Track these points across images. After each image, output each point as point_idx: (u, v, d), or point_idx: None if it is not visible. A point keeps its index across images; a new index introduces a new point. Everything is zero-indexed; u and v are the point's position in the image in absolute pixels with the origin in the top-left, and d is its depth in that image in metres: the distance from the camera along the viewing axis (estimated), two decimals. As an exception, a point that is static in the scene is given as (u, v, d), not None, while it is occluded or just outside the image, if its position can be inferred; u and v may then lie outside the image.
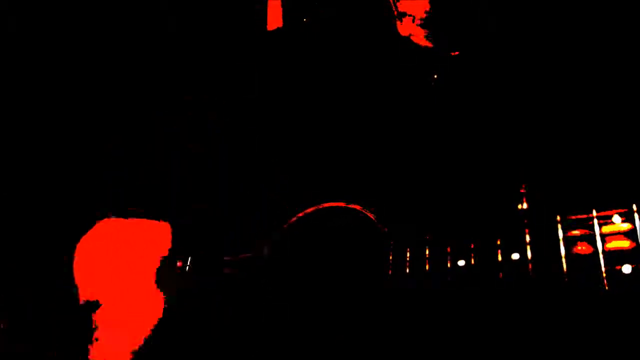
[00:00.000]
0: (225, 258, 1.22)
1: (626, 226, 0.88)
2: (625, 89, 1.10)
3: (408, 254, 1.06)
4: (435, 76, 1.26)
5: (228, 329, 1.16)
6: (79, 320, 1.13)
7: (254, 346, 1.15)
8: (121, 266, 1.19)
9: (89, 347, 1.11)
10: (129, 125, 1.47)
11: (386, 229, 1.11)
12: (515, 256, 0.96)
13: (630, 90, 1.09)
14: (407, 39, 1.28)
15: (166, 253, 1.22)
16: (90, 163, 1.40)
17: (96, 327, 1.12)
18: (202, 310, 1.18)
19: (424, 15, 1.23)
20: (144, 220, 1.25)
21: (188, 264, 1.23)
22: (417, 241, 1.06)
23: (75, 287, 1.17)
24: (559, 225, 0.93)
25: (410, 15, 1.25)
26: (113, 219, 1.24)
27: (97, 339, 1.12)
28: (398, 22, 1.28)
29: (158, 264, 1.20)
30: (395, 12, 1.27)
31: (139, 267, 1.19)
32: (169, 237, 1.24)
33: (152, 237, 1.23)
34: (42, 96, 1.54)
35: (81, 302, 1.15)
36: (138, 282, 1.18)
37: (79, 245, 1.20)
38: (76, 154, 1.44)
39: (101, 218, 1.24)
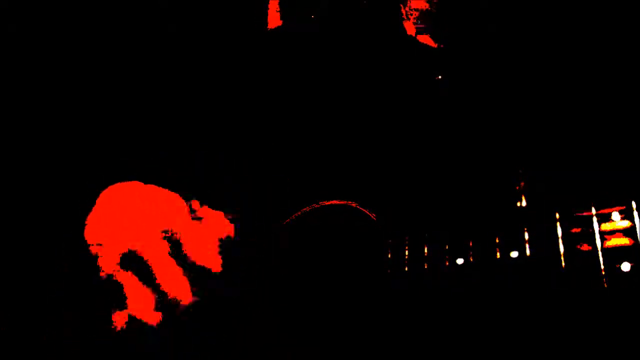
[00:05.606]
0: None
1: (625, 224, 0.87)
2: (624, 86, 1.10)
3: (406, 253, 1.06)
4: (440, 77, 1.26)
5: (227, 328, 1.16)
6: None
7: (251, 343, 1.14)
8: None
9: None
10: (128, 126, 1.47)
11: (384, 228, 1.11)
12: (514, 254, 0.96)
13: (630, 87, 1.09)
14: (413, 38, 1.28)
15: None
16: (88, 163, 1.39)
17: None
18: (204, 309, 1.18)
19: (430, 15, 1.23)
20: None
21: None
22: (415, 239, 1.06)
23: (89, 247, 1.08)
24: (558, 223, 0.93)
25: (417, 14, 1.25)
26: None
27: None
28: (405, 21, 1.28)
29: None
30: (403, 11, 1.27)
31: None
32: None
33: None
34: (42, 95, 1.54)
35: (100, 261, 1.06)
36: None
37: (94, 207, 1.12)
38: (74, 154, 1.44)
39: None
